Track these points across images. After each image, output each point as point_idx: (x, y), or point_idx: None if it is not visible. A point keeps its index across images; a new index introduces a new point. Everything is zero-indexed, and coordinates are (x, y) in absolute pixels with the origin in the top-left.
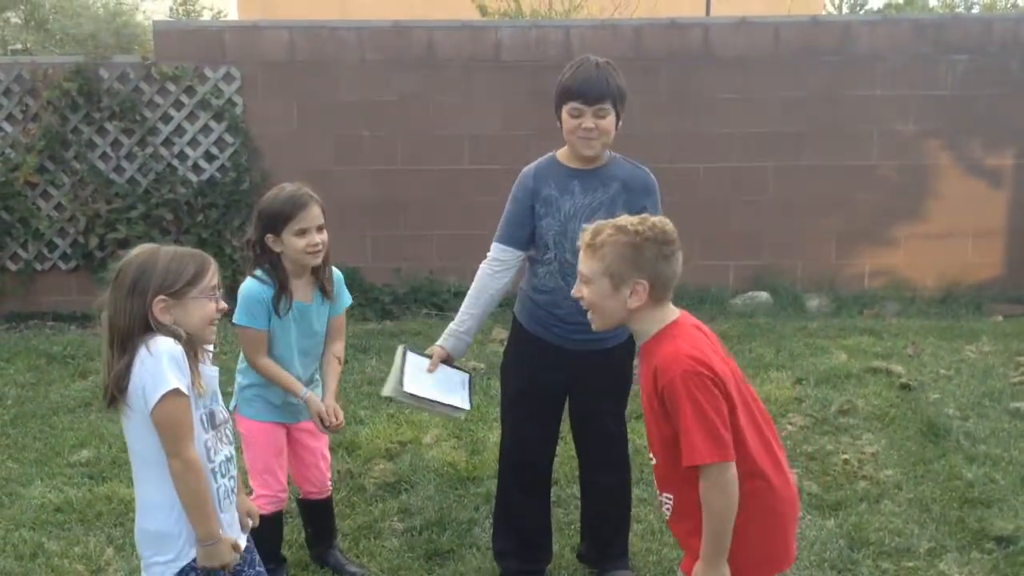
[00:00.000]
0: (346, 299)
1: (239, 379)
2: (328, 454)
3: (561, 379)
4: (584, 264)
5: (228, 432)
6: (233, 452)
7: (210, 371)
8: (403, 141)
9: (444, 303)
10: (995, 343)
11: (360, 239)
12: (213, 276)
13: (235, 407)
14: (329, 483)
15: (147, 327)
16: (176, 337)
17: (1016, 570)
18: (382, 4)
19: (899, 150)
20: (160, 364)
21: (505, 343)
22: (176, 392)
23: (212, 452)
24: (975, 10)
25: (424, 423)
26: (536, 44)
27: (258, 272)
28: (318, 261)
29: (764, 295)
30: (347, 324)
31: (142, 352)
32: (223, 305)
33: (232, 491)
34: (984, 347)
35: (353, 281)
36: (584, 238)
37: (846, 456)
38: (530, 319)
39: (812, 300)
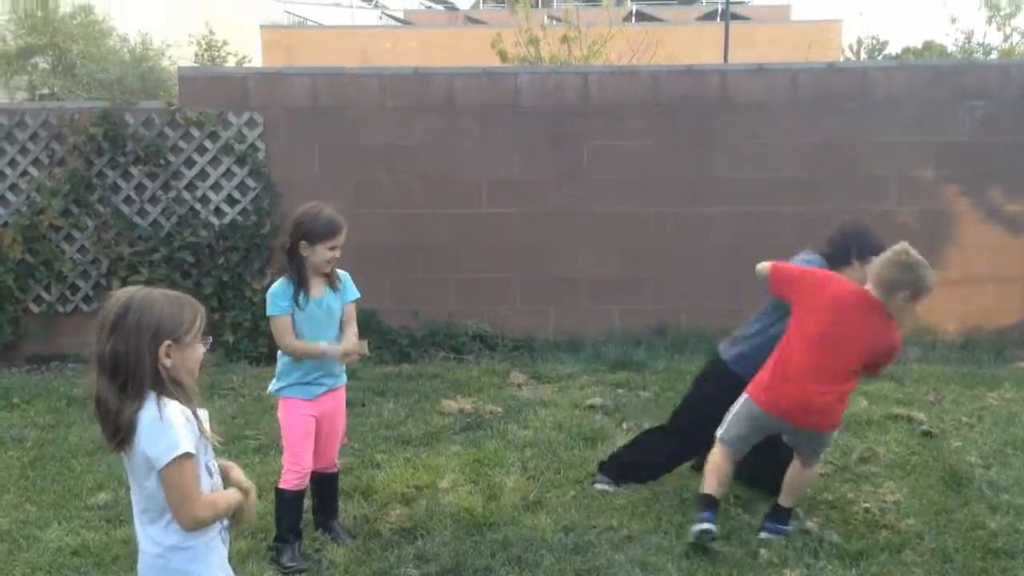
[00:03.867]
0: (353, 292)
1: (279, 364)
2: (342, 436)
3: None
4: None
5: (219, 477)
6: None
7: (203, 414)
8: (422, 185)
9: (462, 346)
10: (1018, 390)
11: (378, 282)
12: (203, 320)
13: (275, 390)
14: (337, 462)
15: (155, 372)
16: (178, 384)
17: None
18: (401, 54)
19: (917, 196)
20: (171, 430)
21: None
22: (187, 455)
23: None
24: (993, 55)
25: (441, 468)
26: (555, 90)
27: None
28: (329, 269)
29: None
30: (365, 365)
31: (151, 411)
32: (207, 348)
33: (226, 528)
34: (1007, 394)
35: (371, 324)
36: None
37: (867, 505)
38: None
39: None
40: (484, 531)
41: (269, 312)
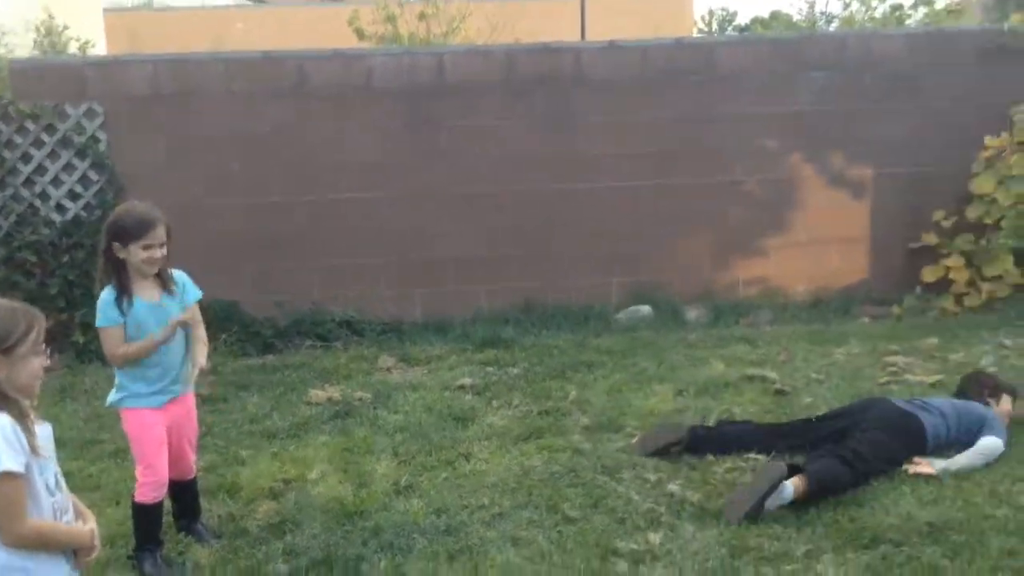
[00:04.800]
0: (194, 293)
1: (117, 377)
2: (195, 442)
3: None
4: None
5: (66, 495)
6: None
7: (44, 430)
8: (278, 172)
9: (328, 333)
10: (863, 345)
11: (238, 273)
12: (41, 331)
13: (116, 401)
14: (194, 467)
15: None
16: (7, 399)
17: (887, 566)
18: (257, 36)
19: (763, 165)
20: None
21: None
22: (8, 475)
23: (59, 513)
24: (834, 25)
25: (309, 459)
26: (409, 71)
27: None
28: (155, 271)
29: (646, 308)
30: (226, 359)
31: None
32: (47, 361)
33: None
34: (853, 349)
35: (232, 315)
36: None
37: (728, 465)
38: None
39: (691, 312)
40: (355, 520)
41: (97, 323)
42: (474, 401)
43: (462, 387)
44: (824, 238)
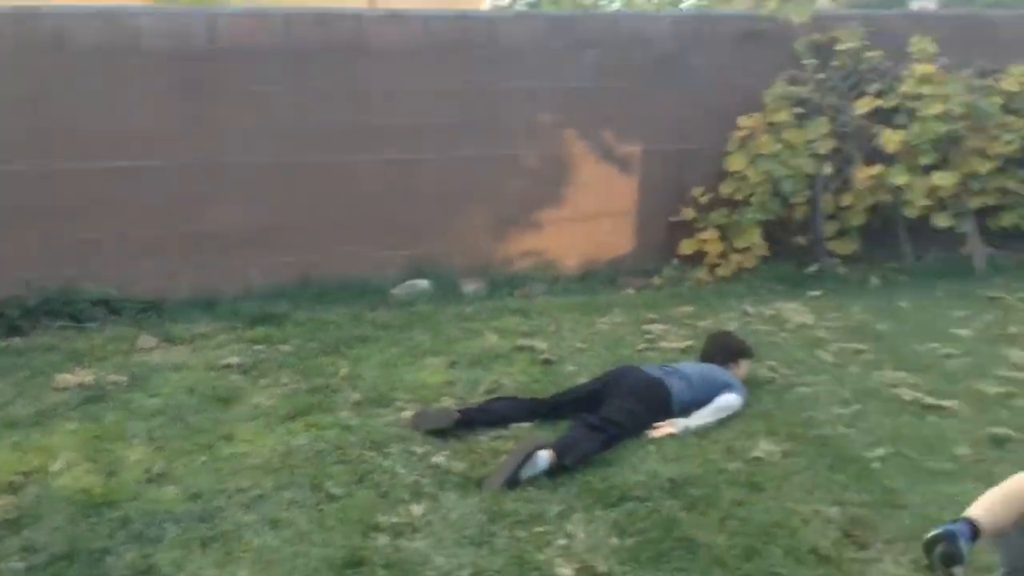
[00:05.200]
0: None
1: None
2: None
3: None
4: None
5: None
6: None
7: None
8: (31, 138)
9: (81, 313)
10: (625, 314)
11: None
12: None
13: None
14: None
15: None
16: None
17: (632, 522)
18: None
19: (541, 140)
20: None
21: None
22: None
23: None
24: (617, 4)
25: (54, 448)
26: (181, 32)
27: None
28: None
29: (424, 283)
30: None
31: None
32: None
33: None
34: (616, 319)
35: None
36: None
37: (493, 435)
38: None
39: (468, 285)
40: (103, 511)
41: None
42: (240, 381)
43: (228, 366)
44: (595, 212)
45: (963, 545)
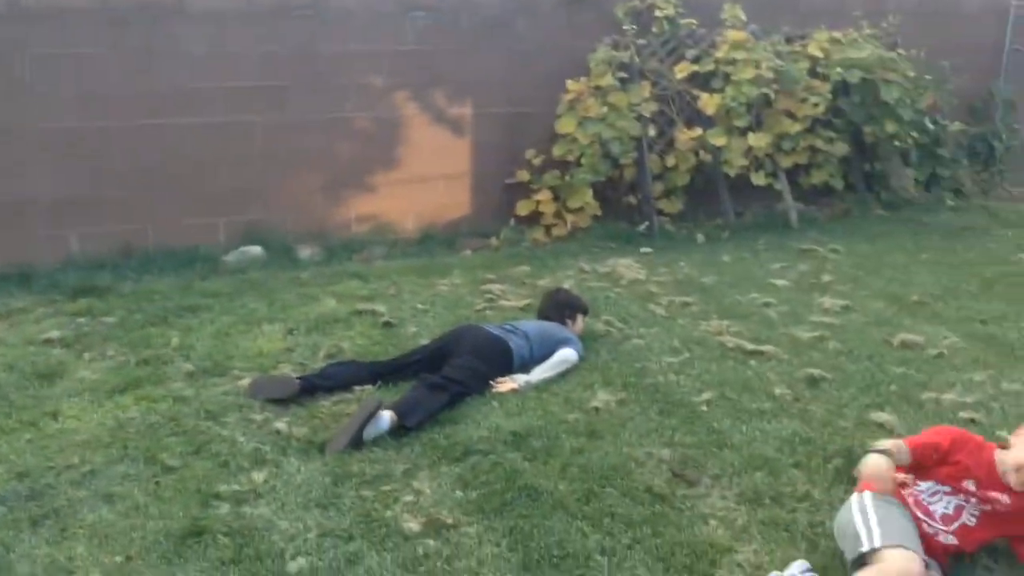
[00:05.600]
0: None
1: None
2: None
3: None
4: None
5: None
6: None
7: None
8: None
9: None
10: (464, 276)
11: None
12: None
13: None
14: None
15: None
16: None
17: (476, 475)
18: None
19: (372, 102)
20: None
21: None
22: None
23: None
24: None
25: None
26: None
27: None
28: None
29: (257, 249)
30: None
31: None
32: None
33: None
34: (455, 280)
35: None
36: None
37: (335, 399)
38: None
39: (304, 250)
40: None
41: None
42: (63, 355)
43: (49, 341)
44: (430, 175)
45: None
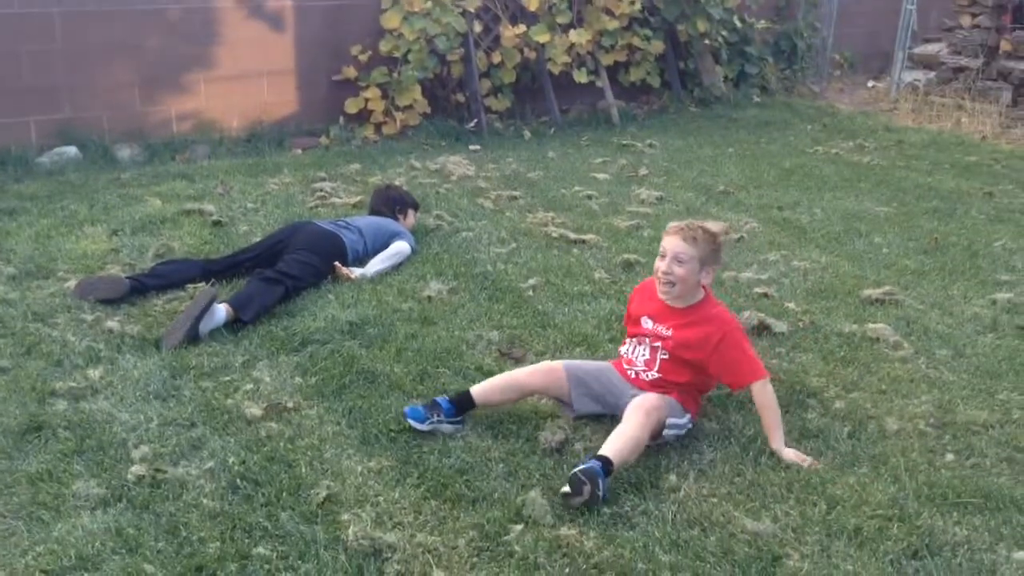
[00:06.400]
0: None
1: None
2: None
3: None
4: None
5: None
6: None
7: None
8: None
9: None
10: (295, 174)
11: None
12: None
13: None
14: None
15: None
16: None
17: (315, 362)
18: None
19: None
20: None
21: None
22: None
23: None
24: None
25: None
26: None
27: None
28: None
29: (72, 150)
30: None
31: None
32: None
33: None
34: (286, 179)
35: None
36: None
37: (167, 296)
38: None
39: (123, 150)
40: None
41: None
42: None
43: None
44: (253, 72)
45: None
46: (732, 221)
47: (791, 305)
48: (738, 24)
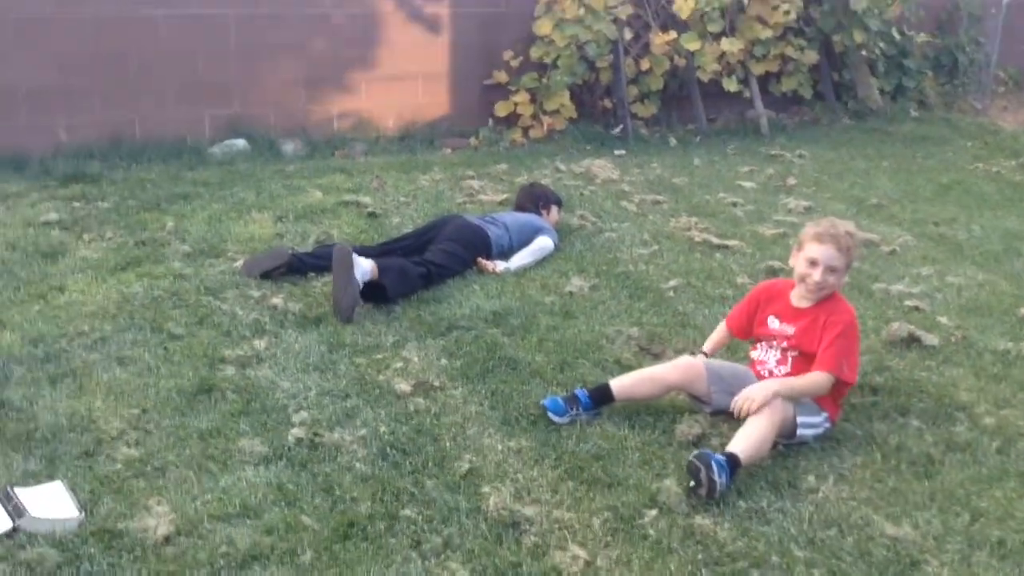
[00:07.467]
0: None
1: None
2: None
3: None
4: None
5: None
6: None
7: None
8: None
9: None
10: (444, 172)
11: None
12: None
13: None
14: None
15: None
16: None
17: (460, 346)
18: None
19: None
20: None
21: None
22: None
23: None
24: None
25: None
26: None
27: None
28: None
29: (241, 142)
30: None
31: None
32: None
33: None
34: (436, 176)
35: None
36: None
37: (325, 279)
38: None
39: (287, 145)
40: None
41: None
42: (63, 236)
43: (47, 223)
44: (409, 74)
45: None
46: (885, 234)
47: (943, 319)
48: (896, 36)
